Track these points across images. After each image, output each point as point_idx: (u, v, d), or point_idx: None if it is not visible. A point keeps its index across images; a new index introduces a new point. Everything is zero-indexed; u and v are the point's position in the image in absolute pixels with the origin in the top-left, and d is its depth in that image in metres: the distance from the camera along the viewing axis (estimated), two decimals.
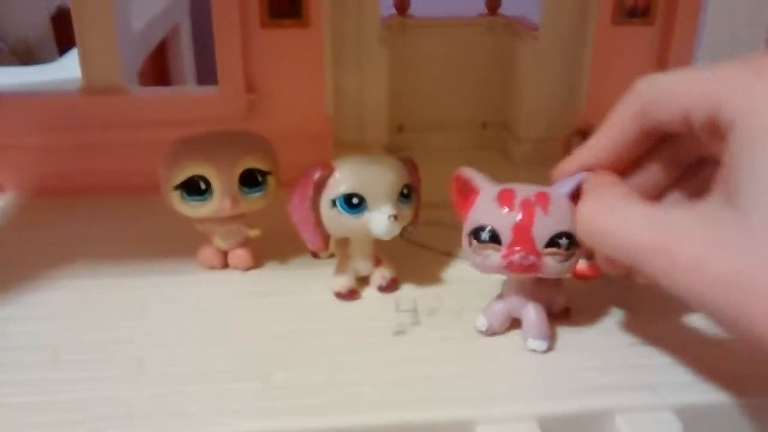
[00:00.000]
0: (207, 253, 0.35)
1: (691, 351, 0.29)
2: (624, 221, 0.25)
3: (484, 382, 0.27)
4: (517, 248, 0.27)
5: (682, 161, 0.28)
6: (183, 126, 0.35)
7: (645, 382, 0.27)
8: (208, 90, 0.44)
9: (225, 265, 0.35)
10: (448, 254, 0.37)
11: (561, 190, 0.28)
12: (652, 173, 0.29)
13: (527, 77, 0.47)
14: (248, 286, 0.34)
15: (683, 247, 0.22)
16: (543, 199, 0.28)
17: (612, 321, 0.31)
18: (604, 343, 0.30)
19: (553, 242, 0.27)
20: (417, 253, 0.37)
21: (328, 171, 0.31)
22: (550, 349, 0.29)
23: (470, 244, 0.29)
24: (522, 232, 0.27)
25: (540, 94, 0.47)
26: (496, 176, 0.30)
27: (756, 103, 0.22)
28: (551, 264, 0.28)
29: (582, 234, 0.27)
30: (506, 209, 0.28)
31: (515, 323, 0.30)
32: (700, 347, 0.29)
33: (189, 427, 0.25)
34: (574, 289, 0.33)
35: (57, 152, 0.43)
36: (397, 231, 0.31)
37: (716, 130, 0.24)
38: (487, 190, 0.29)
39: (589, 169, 0.29)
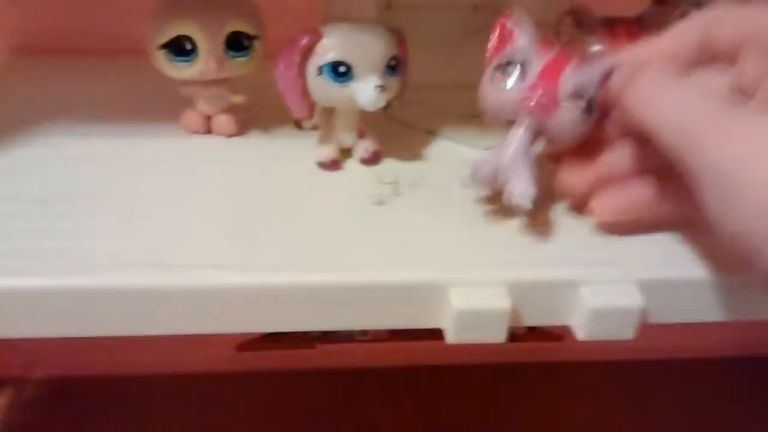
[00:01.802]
0: (190, 117, 0.35)
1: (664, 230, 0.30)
2: (670, 99, 0.25)
3: (459, 250, 0.28)
4: (540, 87, 0.27)
5: None
6: None
7: (612, 257, 0.29)
8: None
9: (208, 130, 0.35)
10: (432, 133, 0.37)
11: (598, 62, 0.28)
12: None
13: None
14: (231, 151, 0.34)
15: (733, 138, 0.23)
16: (581, 57, 0.28)
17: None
18: (577, 221, 0.31)
19: (576, 95, 0.27)
20: (401, 130, 0.37)
21: (316, 37, 0.30)
22: (533, 206, 0.28)
23: (492, 76, 0.28)
24: (550, 73, 0.27)
25: None
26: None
27: None
28: (565, 114, 0.27)
29: (635, 100, 0.26)
30: (543, 50, 0.28)
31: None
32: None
33: (175, 278, 0.26)
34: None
35: (39, 9, 0.41)
36: (383, 102, 0.31)
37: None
38: (529, 35, 0.29)
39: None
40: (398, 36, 0.32)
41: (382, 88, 0.30)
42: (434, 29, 0.48)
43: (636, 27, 0.35)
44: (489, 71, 0.29)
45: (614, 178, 0.29)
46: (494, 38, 0.30)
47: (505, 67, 0.28)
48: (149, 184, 0.31)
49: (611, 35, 0.35)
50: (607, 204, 0.30)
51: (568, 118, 0.27)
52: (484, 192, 0.31)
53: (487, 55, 0.30)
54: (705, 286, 0.28)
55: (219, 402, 0.63)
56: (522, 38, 0.29)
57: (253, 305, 0.27)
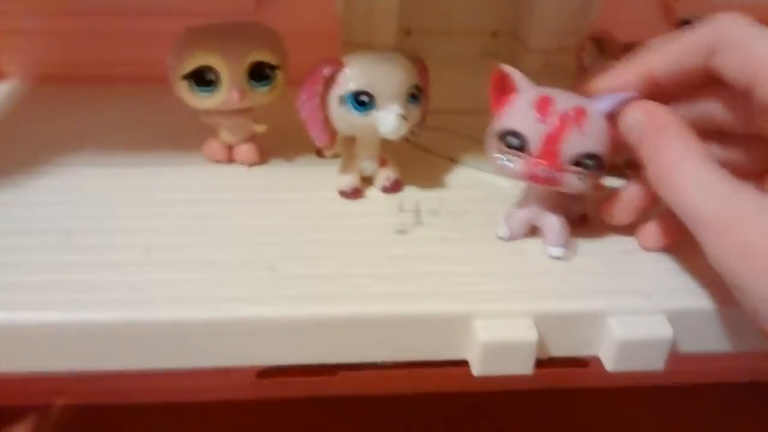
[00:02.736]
0: (213, 147, 0.35)
1: (692, 259, 0.29)
2: (700, 187, 0.24)
3: (482, 280, 0.28)
4: (543, 161, 0.27)
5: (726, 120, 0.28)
6: (191, 17, 0.34)
7: (640, 287, 0.28)
8: None
9: (230, 159, 0.35)
10: (453, 160, 0.37)
11: (599, 106, 0.27)
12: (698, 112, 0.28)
13: None
14: (253, 180, 0.34)
15: (746, 231, 0.23)
16: (580, 115, 0.27)
17: (621, 228, 0.31)
18: (606, 249, 0.30)
19: (579, 162, 0.27)
20: (422, 157, 0.37)
21: (338, 67, 0.30)
22: (569, 255, 0.30)
23: (495, 144, 0.28)
24: (551, 145, 0.27)
25: (553, 3, 0.46)
26: None
27: None
28: (573, 181, 0.27)
29: (656, 179, 0.26)
30: (541, 118, 0.27)
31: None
32: (699, 255, 0.30)
33: (197, 311, 0.26)
34: (592, 195, 0.32)
35: (62, 38, 0.42)
36: (404, 131, 0.31)
37: None
38: (526, 92, 0.28)
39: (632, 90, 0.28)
40: (420, 64, 0.32)
41: (404, 116, 0.30)
42: (454, 55, 0.48)
43: None
44: (491, 136, 0.28)
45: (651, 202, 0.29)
46: (494, 92, 0.29)
47: (505, 137, 0.28)
48: (171, 215, 0.31)
49: None
50: (649, 233, 0.30)
51: (575, 181, 0.27)
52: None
53: (491, 110, 0.29)
54: (734, 315, 0.28)
55: (241, 429, 0.63)
56: (518, 99, 0.28)
57: (275, 338, 0.26)
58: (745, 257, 0.22)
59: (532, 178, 0.28)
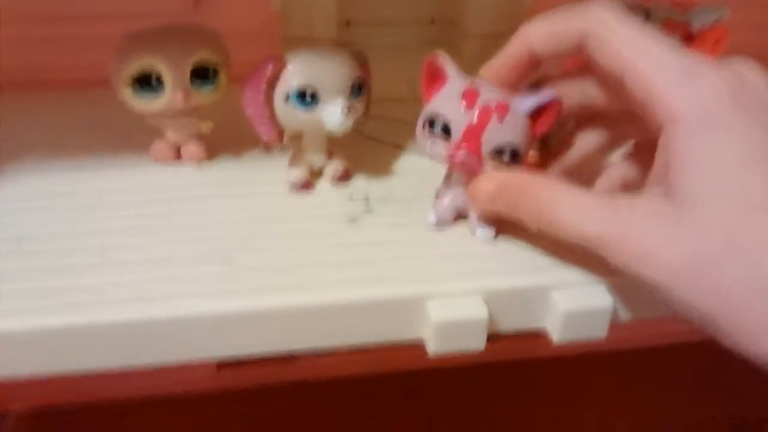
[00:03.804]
0: (159, 147, 0.35)
1: None
2: (570, 217, 0.26)
3: (433, 263, 0.29)
4: (464, 148, 0.28)
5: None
6: (129, 19, 0.34)
7: (577, 260, 0.29)
8: None
9: (178, 158, 0.35)
10: (399, 147, 0.38)
11: (522, 104, 0.29)
12: None
13: None
14: (203, 178, 0.35)
15: (632, 241, 0.24)
16: (502, 108, 0.28)
17: None
18: None
19: (498, 152, 0.28)
20: (368, 146, 0.38)
21: (281, 65, 0.31)
22: (496, 236, 0.31)
23: (423, 128, 0.30)
24: (472, 133, 0.28)
25: None
26: None
27: (688, 107, 0.24)
28: (490, 169, 0.29)
29: (533, 226, 0.28)
30: (465, 107, 0.28)
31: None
32: None
33: (156, 311, 0.26)
34: None
35: (1, 46, 0.41)
36: (349, 124, 0.32)
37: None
38: (455, 81, 0.29)
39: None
40: (361, 58, 0.33)
41: (349, 109, 0.31)
42: (394, 43, 0.49)
43: None
44: (421, 119, 0.30)
45: None
46: (425, 80, 0.30)
47: (431, 122, 0.29)
48: (123, 217, 0.31)
49: None
50: None
51: (493, 171, 0.29)
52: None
53: (423, 95, 0.30)
54: None
55: (204, 421, 0.63)
56: (447, 88, 0.29)
57: (236, 330, 0.27)
58: (648, 266, 0.24)
59: (452, 163, 0.29)
